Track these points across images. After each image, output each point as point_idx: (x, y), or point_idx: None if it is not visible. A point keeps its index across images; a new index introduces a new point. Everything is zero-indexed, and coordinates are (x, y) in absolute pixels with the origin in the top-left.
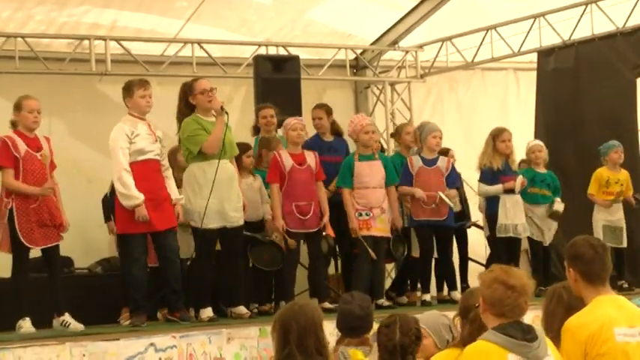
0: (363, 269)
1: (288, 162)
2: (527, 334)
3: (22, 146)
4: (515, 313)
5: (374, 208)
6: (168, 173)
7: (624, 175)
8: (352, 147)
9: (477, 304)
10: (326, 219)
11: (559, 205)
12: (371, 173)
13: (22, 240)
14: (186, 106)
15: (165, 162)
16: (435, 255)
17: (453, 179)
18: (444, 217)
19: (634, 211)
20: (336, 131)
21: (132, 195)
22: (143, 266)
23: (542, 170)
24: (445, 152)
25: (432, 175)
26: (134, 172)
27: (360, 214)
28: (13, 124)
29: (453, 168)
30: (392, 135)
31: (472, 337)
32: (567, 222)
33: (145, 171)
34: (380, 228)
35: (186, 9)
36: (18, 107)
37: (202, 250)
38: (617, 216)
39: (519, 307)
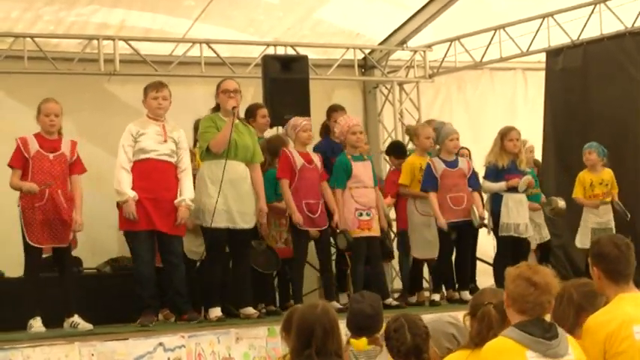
0: (358, 270)
1: (299, 160)
2: (546, 332)
3: (34, 147)
4: (536, 310)
5: (372, 208)
6: (183, 174)
7: (607, 174)
8: None
9: (485, 302)
10: (337, 217)
11: (563, 202)
12: (366, 173)
13: (27, 239)
14: (217, 105)
15: (182, 163)
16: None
17: (474, 181)
18: (470, 218)
19: (636, 210)
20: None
21: (120, 191)
22: (148, 263)
23: (526, 169)
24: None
25: (455, 177)
26: (134, 170)
27: (361, 214)
28: None
29: (473, 169)
30: (407, 133)
31: (480, 335)
32: (574, 223)
33: (144, 170)
34: (376, 228)
35: (194, 8)
36: (38, 110)
37: (210, 249)
38: (607, 217)
39: (541, 305)
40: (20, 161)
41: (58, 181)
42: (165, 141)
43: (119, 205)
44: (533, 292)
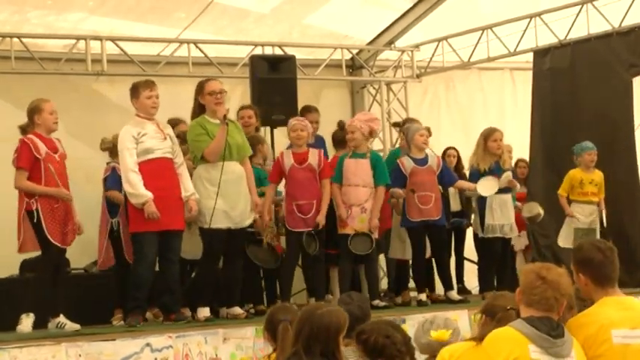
0: (346, 268)
1: (288, 162)
2: (553, 330)
3: (43, 147)
4: (542, 305)
5: (354, 206)
6: (182, 169)
7: (598, 175)
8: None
9: (508, 307)
10: (319, 217)
11: (540, 210)
12: (356, 171)
13: (51, 239)
14: (199, 106)
15: (179, 159)
16: (428, 254)
17: (448, 177)
18: (438, 217)
19: (634, 211)
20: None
21: (139, 193)
22: (151, 266)
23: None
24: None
25: (425, 174)
26: (143, 170)
27: None
28: (24, 129)
29: (445, 165)
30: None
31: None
32: (562, 222)
33: (154, 169)
34: (359, 227)
35: (185, 20)
36: (38, 110)
37: (209, 251)
38: (591, 218)
39: (547, 299)
40: (30, 162)
41: (65, 182)
42: (165, 138)
43: (127, 207)
44: (540, 286)
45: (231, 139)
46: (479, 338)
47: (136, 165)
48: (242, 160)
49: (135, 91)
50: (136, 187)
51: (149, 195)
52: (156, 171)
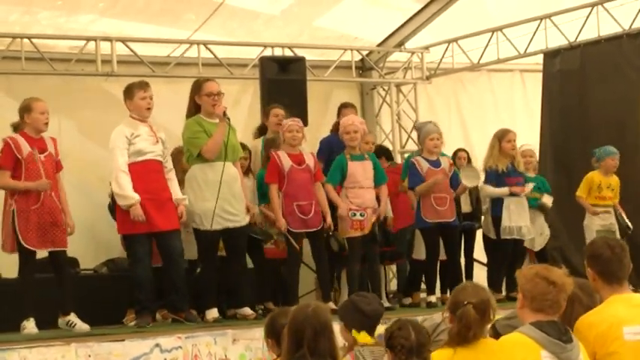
0: (354, 270)
1: (286, 162)
2: (563, 334)
3: (26, 147)
4: (553, 309)
5: (368, 208)
6: (171, 175)
7: (615, 180)
8: None
9: (465, 301)
10: (329, 219)
11: (547, 199)
12: (364, 173)
13: (22, 242)
14: (195, 105)
15: (169, 164)
16: (443, 257)
17: (455, 181)
18: (453, 219)
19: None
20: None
21: (126, 195)
22: (147, 266)
23: (531, 174)
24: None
25: (439, 176)
26: (133, 172)
27: (354, 214)
28: (16, 127)
29: (455, 170)
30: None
31: (460, 335)
32: (571, 224)
33: (144, 171)
34: (369, 228)
35: (195, 22)
36: (28, 109)
37: (205, 252)
38: (609, 220)
39: (558, 303)
40: (11, 162)
41: (50, 182)
42: (157, 141)
43: (116, 209)
44: (552, 291)
45: (227, 141)
46: (455, 342)
47: (126, 166)
48: (235, 161)
49: (129, 92)
50: (124, 189)
51: (136, 197)
52: (146, 173)
